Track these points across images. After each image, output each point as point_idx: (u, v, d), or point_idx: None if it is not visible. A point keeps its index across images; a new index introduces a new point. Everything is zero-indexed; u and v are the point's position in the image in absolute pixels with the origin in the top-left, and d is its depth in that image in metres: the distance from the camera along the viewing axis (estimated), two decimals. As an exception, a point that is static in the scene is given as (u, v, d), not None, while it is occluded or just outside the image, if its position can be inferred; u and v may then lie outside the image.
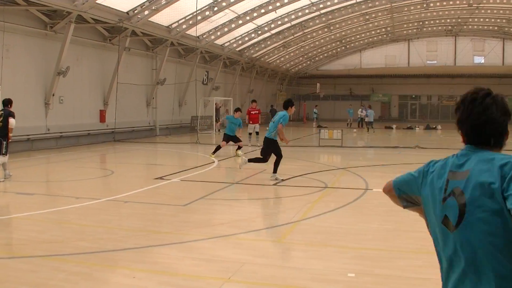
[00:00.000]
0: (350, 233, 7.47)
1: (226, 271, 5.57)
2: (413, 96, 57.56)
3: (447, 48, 54.03)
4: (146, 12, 23.52)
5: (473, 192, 2.04)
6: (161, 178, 12.35)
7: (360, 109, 38.68)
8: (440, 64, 54.35)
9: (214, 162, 15.83)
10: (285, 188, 11.04)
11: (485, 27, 47.62)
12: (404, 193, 2.60)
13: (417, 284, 5.32)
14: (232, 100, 35.34)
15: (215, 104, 32.89)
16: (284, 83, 52.74)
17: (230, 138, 17.22)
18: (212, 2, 26.40)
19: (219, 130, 32.11)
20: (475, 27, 47.58)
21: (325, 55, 52.93)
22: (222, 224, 7.77)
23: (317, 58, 53.12)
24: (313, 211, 8.70)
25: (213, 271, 5.68)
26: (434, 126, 40.75)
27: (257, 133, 22.45)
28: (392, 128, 39.76)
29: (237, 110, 17.88)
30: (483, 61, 53.85)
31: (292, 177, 12.36)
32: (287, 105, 11.80)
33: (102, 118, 23.49)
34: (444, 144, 25.57)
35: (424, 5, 36.32)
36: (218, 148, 17.09)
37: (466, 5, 36.66)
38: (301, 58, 49.90)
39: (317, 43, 44.07)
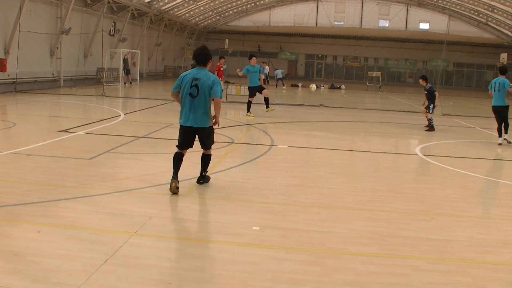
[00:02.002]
0: (255, 187, 7.67)
1: (133, 225, 5.58)
2: (320, 55, 58.77)
3: (354, 10, 55.38)
4: (48, -45, 22.12)
5: (203, 85, 7.05)
6: (65, 131, 11.94)
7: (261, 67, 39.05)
8: (347, 25, 55.70)
9: (120, 115, 15.49)
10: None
11: (391, -8, 49.13)
12: (176, 88, 7.27)
13: (320, 237, 5.59)
14: (139, 52, 34.43)
15: (125, 54, 31.73)
16: (193, 38, 51.93)
17: (256, 89, 16.92)
18: None
19: (130, 83, 31.28)
20: (382, -9, 48.94)
21: (235, 10, 52.56)
22: (128, 178, 7.71)
23: (226, 14, 52.67)
24: (219, 166, 8.82)
25: (119, 225, 5.67)
26: (338, 86, 41.94)
27: None
28: (298, 86, 40.54)
29: (251, 57, 17.21)
30: (387, 25, 55.76)
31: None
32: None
33: (3, 67, 22.07)
34: (348, 103, 26.51)
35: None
36: (249, 104, 16.93)
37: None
38: (210, 13, 49.27)
39: (227, -3, 43.71)
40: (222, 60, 20.67)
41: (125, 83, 30.93)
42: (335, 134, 14.71)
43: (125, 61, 31.59)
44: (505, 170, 10.94)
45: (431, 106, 16.06)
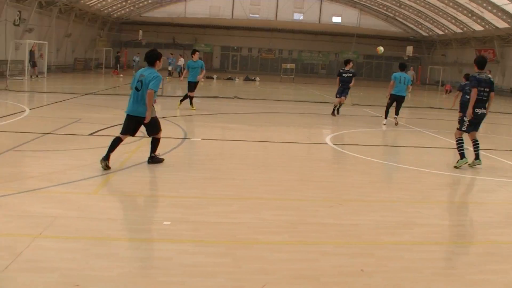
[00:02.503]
0: (167, 182, 7.59)
1: (37, 227, 5.33)
2: (235, 48, 58.93)
3: (270, 3, 56.03)
4: None
5: (145, 80, 7.99)
6: (-37, 128, 11.28)
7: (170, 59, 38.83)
8: (262, 18, 56.19)
9: (25, 111, 14.82)
10: (102, 138, 10.70)
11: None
12: (132, 84, 8.23)
13: (230, 229, 5.60)
14: (47, 44, 32.97)
15: (31, 46, 30.18)
16: (105, 29, 50.50)
17: (195, 85, 16.74)
18: None
19: (37, 76, 29.92)
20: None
21: (149, 1, 51.67)
22: (32, 177, 7.37)
23: (140, 4, 51.67)
24: (129, 161, 8.63)
25: (23, 227, 5.40)
26: (253, 78, 42.25)
27: None
28: (213, 78, 40.48)
29: (194, 52, 16.85)
30: (302, 18, 56.78)
31: (110, 127, 12.06)
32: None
33: None
34: (262, 95, 26.76)
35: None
36: (186, 97, 16.67)
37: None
38: (123, 3, 48.09)
39: (140, -12, 42.81)
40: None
41: (31, 76, 29.53)
42: (249, 125, 14.81)
43: (31, 53, 30.08)
44: (408, 156, 11.44)
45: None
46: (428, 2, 45.65)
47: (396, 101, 16.21)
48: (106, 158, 7.86)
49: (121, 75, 37.38)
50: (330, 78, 54.55)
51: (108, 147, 7.92)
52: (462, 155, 9.68)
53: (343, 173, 8.80)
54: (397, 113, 16.31)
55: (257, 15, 56.61)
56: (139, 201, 6.58)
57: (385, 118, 16.34)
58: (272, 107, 20.25)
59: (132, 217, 5.89)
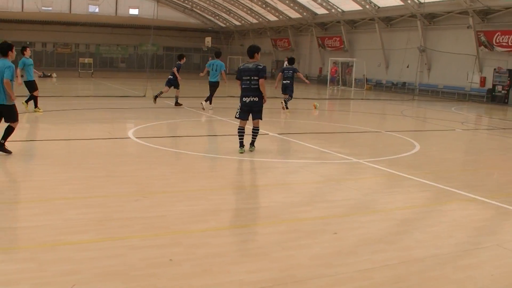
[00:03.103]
0: None
1: None
2: (28, 42, 55.10)
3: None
4: None
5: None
6: None
7: None
8: (55, 11, 53.35)
9: None
10: None
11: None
12: None
13: (33, 232, 5.33)
14: None
15: None
16: None
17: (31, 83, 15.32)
18: None
19: None
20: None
21: None
22: None
23: None
24: None
25: None
26: (49, 74, 40.00)
27: None
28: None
29: (24, 48, 15.54)
30: (97, 10, 55.05)
31: None
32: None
33: None
34: (60, 92, 25.55)
35: None
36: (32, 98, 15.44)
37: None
38: None
39: None
40: None
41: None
42: (48, 124, 14.08)
43: None
44: (212, 144, 11.92)
45: None
46: (225, -6, 47.60)
47: (212, 86, 18.06)
48: None
49: None
50: (130, 71, 53.90)
51: None
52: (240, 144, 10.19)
53: (147, 166, 8.85)
54: (207, 99, 17.99)
55: (50, 8, 53.61)
56: None
57: (209, 103, 18.27)
58: (71, 103, 19.46)
59: None
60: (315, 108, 20.85)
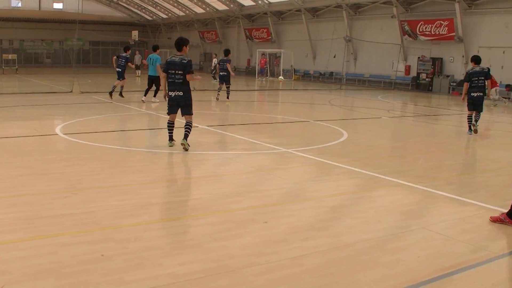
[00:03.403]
0: None
1: None
2: None
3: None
4: None
5: None
6: None
7: None
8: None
9: None
10: None
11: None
12: None
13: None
14: None
15: None
16: None
17: None
18: None
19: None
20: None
21: None
22: None
23: None
24: None
25: None
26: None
27: None
28: None
29: None
30: (20, 5, 53.12)
31: None
32: None
33: None
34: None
35: None
36: None
37: None
38: None
39: None
40: None
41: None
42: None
43: None
44: (140, 139, 11.80)
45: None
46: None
47: (151, 80, 18.55)
48: None
49: None
50: (56, 67, 52.27)
51: None
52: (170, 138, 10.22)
53: (76, 163, 8.70)
54: (145, 94, 18.68)
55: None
56: None
57: (154, 96, 18.92)
58: (-7, 101, 18.74)
59: None
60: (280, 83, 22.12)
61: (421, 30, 31.16)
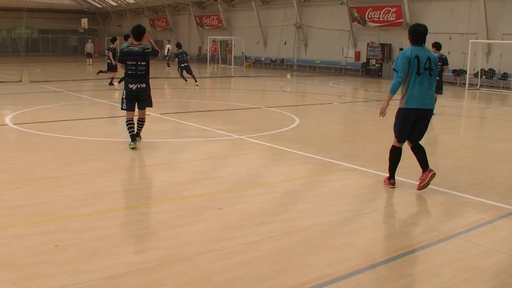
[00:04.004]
0: None
1: None
2: None
3: None
4: None
5: None
6: None
7: None
8: None
9: None
10: None
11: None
12: None
13: None
14: None
15: None
16: None
17: None
18: None
19: None
20: None
21: None
22: None
23: None
24: None
25: None
26: None
27: None
28: None
29: None
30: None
31: None
32: None
33: None
34: None
35: None
36: None
37: None
38: None
39: None
40: None
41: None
42: None
43: None
44: (91, 128, 11.64)
45: None
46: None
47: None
48: None
49: None
50: (4, 56, 50.63)
51: None
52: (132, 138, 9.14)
53: (27, 153, 8.55)
54: (120, 81, 18.67)
55: None
56: None
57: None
58: None
59: None
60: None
61: (370, 16, 31.67)
